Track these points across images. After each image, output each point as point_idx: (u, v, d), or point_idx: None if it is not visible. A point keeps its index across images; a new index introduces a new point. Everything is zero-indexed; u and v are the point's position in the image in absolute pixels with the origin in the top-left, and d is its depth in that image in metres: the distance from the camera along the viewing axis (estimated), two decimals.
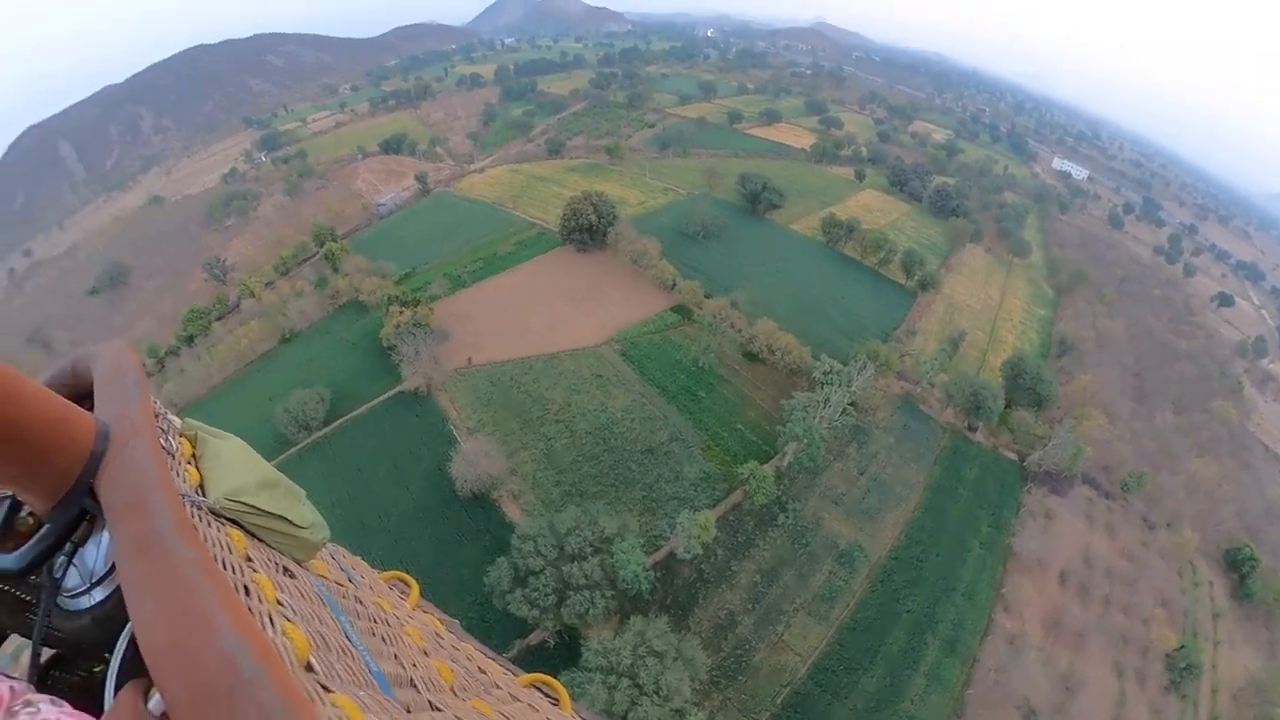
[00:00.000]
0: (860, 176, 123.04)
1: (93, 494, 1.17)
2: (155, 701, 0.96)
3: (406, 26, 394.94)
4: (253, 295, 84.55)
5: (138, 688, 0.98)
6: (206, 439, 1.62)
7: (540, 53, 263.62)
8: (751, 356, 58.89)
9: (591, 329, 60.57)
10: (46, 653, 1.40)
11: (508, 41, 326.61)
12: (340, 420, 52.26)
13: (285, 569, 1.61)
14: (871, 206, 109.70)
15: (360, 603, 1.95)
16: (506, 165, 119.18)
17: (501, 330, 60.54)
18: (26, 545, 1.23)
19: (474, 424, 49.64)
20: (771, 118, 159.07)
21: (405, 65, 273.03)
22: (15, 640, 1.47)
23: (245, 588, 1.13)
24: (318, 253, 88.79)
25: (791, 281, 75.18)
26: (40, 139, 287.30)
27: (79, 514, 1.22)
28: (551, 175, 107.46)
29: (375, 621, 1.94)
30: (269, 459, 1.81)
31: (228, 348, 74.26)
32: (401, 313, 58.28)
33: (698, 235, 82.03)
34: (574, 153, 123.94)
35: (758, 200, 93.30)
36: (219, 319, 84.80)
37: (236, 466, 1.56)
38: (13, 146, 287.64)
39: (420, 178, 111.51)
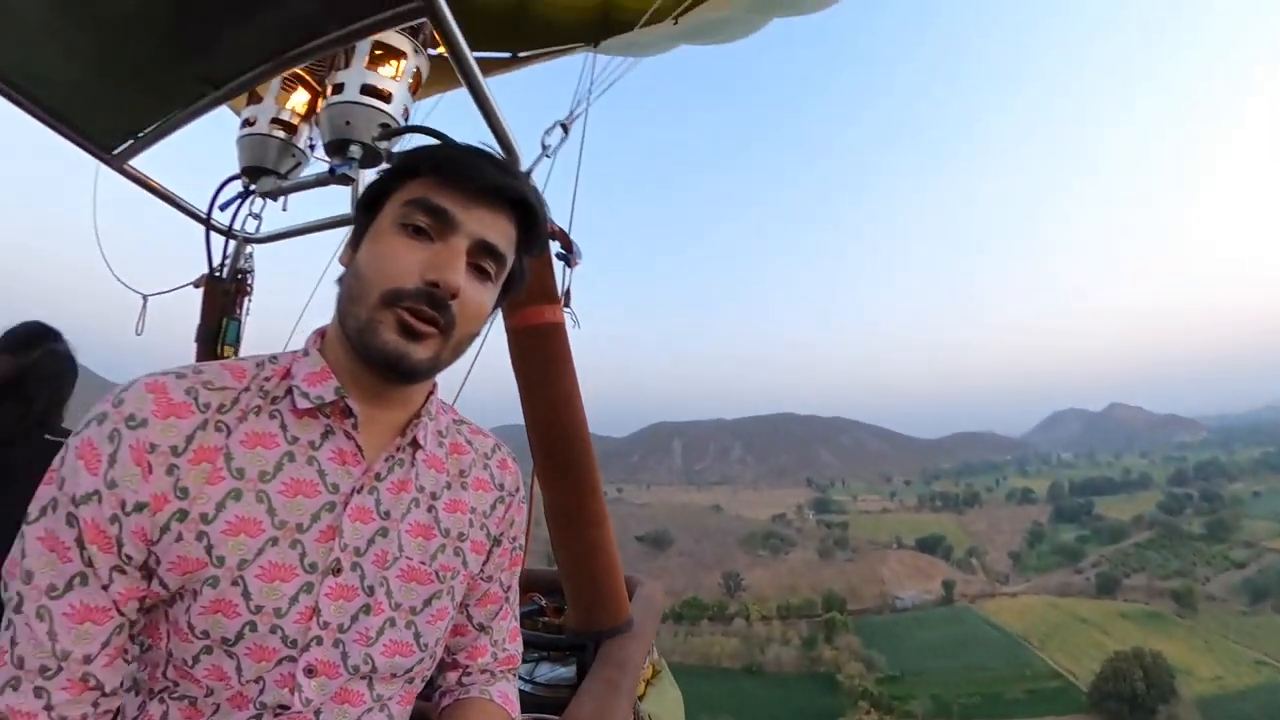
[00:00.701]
0: None
1: (596, 645, 1.66)
2: None
3: (964, 434, 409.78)
4: (747, 619, 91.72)
5: None
6: (664, 674, 2.03)
7: (1099, 469, 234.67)
8: None
9: None
10: None
11: (1064, 456, 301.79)
12: None
13: None
14: None
15: None
16: (1044, 595, 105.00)
17: None
18: (533, 633, 1.84)
19: None
20: None
21: (958, 470, 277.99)
22: None
23: None
24: (820, 616, 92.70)
25: None
26: (665, 431, 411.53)
27: (576, 646, 1.74)
28: (1096, 618, 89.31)
29: None
30: None
31: (701, 643, 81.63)
32: (869, 712, 55.77)
33: None
34: (1130, 594, 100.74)
35: None
36: (710, 619, 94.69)
37: (667, 705, 1.93)
38: (649, 428, 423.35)
39: (947, 585, 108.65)
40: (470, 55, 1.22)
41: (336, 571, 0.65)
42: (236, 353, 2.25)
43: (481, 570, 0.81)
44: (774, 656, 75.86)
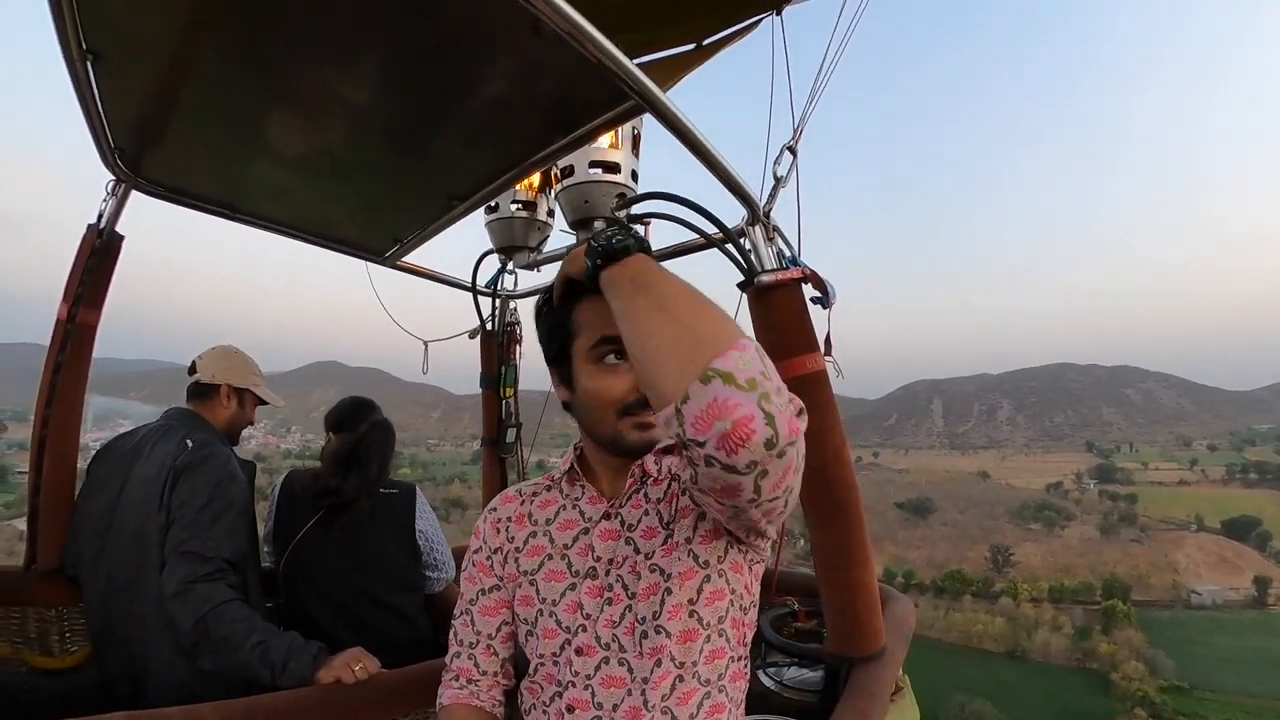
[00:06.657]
0: None
1: (849, 669, 1.64)
2: None
3: None
4: (1014, 598, 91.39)
5: None
6: (906, 691, 1.93)
7: None
8: None
9: None
10: None
11: None
12: None
13: None
14: None
15: None
16: None
17: None
18: (787, 641, 1.91)
19: None
20: None
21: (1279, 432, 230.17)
22: None
23: None
24: (1098, 604, 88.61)
25: None
26: (923, 389, 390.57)
27: (831, 667, 1.75)
28: None
29: None
30: None
31: (962, 620, 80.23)
32: None
33: None
34: None
35: None
36: (973, 595, 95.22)
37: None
38: (904, 388, 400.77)
39: (1260, 582, 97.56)
40: (693, 128, 1.25)
41: (593, 576, 0.98)
42: (516, 394, 2.79)
43: (689, 556, 0.96)
44: (1041, 643, 73.71)
